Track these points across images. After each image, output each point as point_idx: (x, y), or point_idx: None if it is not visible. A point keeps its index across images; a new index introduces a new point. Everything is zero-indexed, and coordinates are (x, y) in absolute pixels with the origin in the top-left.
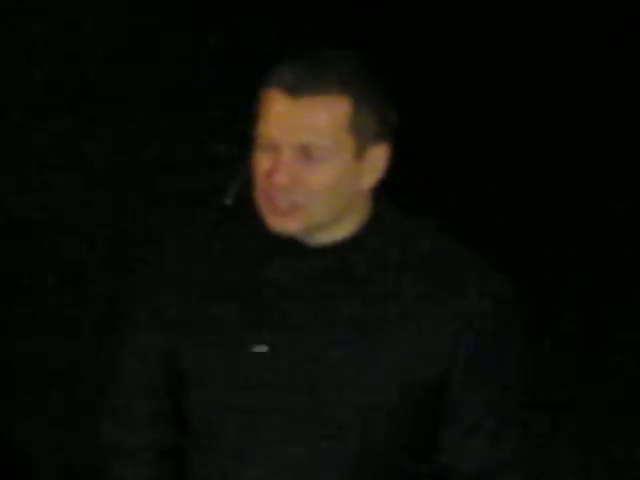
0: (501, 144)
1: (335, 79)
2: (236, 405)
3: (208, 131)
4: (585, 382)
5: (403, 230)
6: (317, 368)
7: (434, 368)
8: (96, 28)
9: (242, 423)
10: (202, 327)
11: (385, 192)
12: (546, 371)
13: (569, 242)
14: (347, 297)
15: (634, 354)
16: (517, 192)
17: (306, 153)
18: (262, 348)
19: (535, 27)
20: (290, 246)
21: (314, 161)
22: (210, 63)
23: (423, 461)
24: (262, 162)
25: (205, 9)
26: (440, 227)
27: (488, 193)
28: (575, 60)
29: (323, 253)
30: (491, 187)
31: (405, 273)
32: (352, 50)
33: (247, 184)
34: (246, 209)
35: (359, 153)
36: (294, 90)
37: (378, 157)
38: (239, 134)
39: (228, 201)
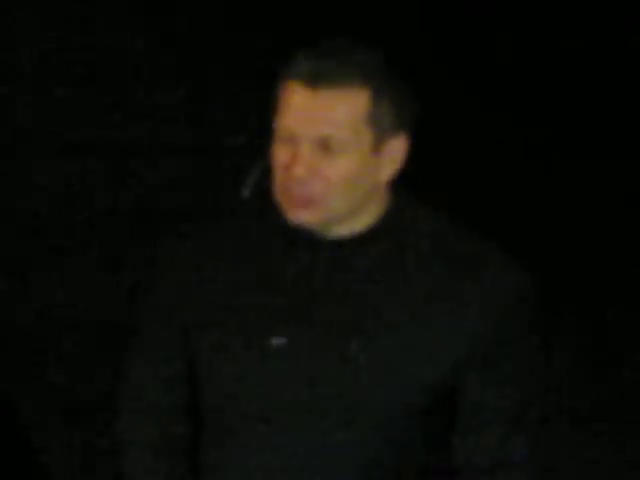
0: (501, 144)
1: (354, 71)
2: (252, 398)
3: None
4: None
5: (421, 223)
6: (335, 362)
7: (452, 360)
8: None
9: (258, 416)
10: (220, 320)
11: (403, 184)
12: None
13: (583, 249)
14: (365, 290)
15: None
16: (517, 192)
17: (325, 146)
18: (281, 341)
19: (535, 27)
20: (308, 238)
21: (332, 153)
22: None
23: (437, 458)
24: (280, 154)
25: None
26: (457, 220)
27: (488, 193)
28: (575, 60)
29: (341, 246)
30: (491, 187)
31: (423, 266)
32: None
33: (265, 176)
34: (264, 201)
35: (377, 145)
36: (313, 82)
37: (396, 149)
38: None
39: (246, 193)
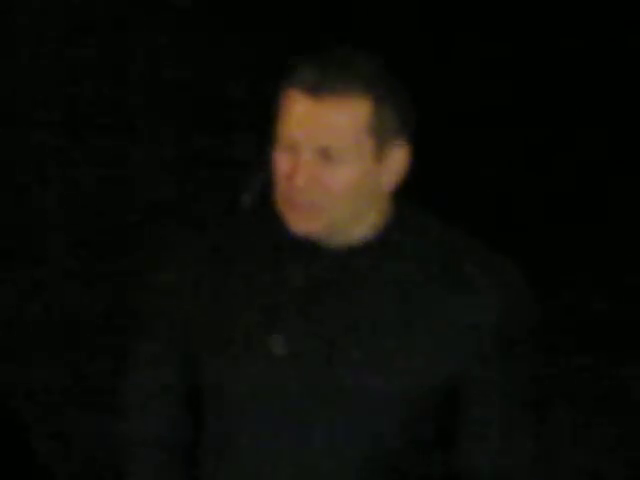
0: (500, 144)
1: (356, 80)
2: (253, 406)
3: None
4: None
5: (423, 232)
6: (336, 369)
7: (451, 368)
8: None
9: (259, 425)
10: (220, 329)
11: (405, 193)
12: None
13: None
14: (366, 298)
15: None
16: (517, 192)
17: (326, 155)
18: (281, 349)
19: (535, 27)
20: (310, 247)
21: (334, 162)
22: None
23: (437, 461)
24: (282, 163)
25: None
26: (460, 229)
27: (488, 192)
28: (575, 60)
29: (343, 254)
30: (491, 187)
31: (424, 274)
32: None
33: (267, 185)
34: (266, 210)
35: (379, 155)
36: (315, 90)
37: (398, 158)
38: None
39: (247, 201)
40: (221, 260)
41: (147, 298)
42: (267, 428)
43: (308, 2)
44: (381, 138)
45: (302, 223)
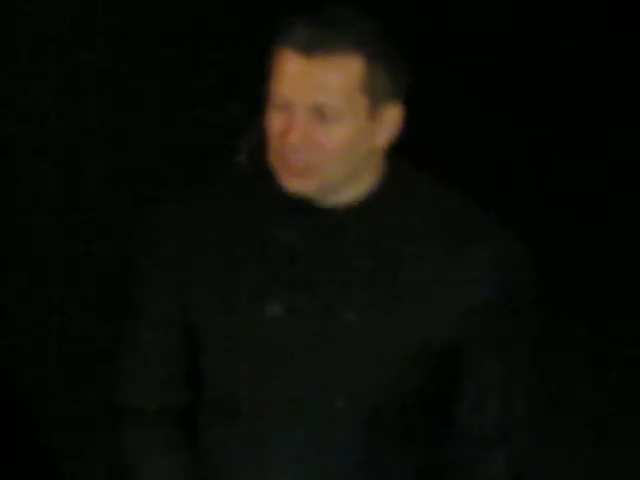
0: (500, 144)
1: (348, 38)
2: (250, 369)
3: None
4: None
5: (418, 189)
6: (332, 330)
7: (450, 330)
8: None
9: (256, 387)
10: (215, 290)
11: (399, 152)
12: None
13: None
14: (362, 258)
15: None
16: (517, 191)
17: (320, 113)
18: (276, 310)
19: (535, 27)
20: (304, 207)
21: (328, 121)
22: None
23: (437, 426)
24: (275, 122)
25: None
26: (454, 187)
27: (488, 193)
28: (575, 60)
29: (337, 213)
30: (490, 187)
31: (420, 233)
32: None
33: (261, 143)
34: (260, 169)
35: (373, 113)
36: (307, 49)
37: (392, 117)
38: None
39: (241, 161)
40: (216, 221)
41: (141, 265)
42: (267, 391)
43: None
44: (375, 97)
45: (296, 182)
